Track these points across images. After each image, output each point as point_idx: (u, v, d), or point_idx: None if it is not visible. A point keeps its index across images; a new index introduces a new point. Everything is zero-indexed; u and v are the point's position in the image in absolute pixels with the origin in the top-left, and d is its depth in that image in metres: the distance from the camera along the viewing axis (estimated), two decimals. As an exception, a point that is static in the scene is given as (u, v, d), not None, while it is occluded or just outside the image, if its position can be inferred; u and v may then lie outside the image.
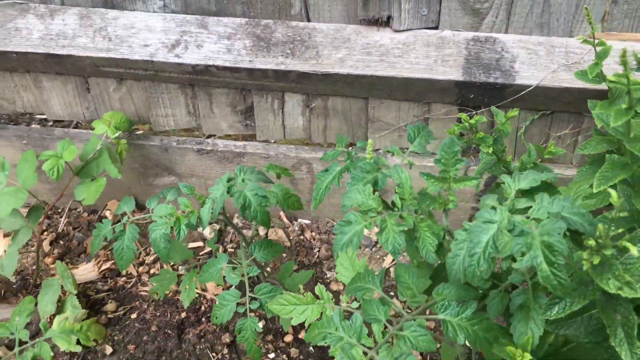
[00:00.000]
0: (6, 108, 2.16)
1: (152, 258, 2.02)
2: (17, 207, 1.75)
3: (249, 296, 1.40)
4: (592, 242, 0.75)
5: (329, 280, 1.92)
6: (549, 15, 1.69)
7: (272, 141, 2.05)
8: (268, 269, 1.97)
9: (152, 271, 1.98)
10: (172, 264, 1.97)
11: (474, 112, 1.80)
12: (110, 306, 1.86)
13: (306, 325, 1.11)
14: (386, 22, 1.77)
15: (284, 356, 1.71)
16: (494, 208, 0.80)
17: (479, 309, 1.13)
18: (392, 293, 1.86)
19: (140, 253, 2.05)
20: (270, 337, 1.76)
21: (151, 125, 2.09)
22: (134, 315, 1.83)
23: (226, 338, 1.75)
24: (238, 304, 1.40)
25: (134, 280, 1.95)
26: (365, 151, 1.07)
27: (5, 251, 1.81)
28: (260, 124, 2.02)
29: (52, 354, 1.74)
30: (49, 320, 1.69)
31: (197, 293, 1.89)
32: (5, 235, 2.12)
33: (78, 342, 1.71)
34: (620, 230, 0.76)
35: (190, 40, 1.84)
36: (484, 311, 1.03)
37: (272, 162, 1.99)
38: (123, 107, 2.06)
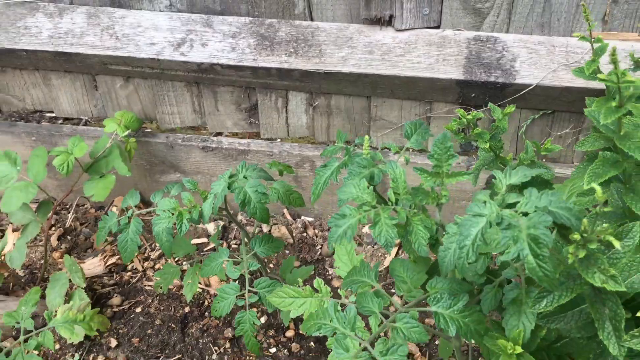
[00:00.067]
0: (16, 105, 2.20)
1: (157, 253, 2.05)
2: (27, 202, 1.79)
3: (249, 290, 1.42)
4: (577, 236, 0.77)
5: (330, 277, 1.94)
6: (550, 15, 1.70)
7: (276, 139, 2.07)
8: (271, 265, 2.00)
9: (157, 266, 2.01)
10: (176, 259, 2.00)
11: (481, 112, 1.81)
12: (116, 300, 1.89)
13: (305, 317, 1.14)
14: (388, 22, 1.79)
15: (285, 351, 1.74)
16: (484, 202, 0.82)
17: (475, 303, 1.15)
18: (392, 290, 1.87)
19: (145, 249, 2.08)
20: (272, 332, 1.79)
21: (157, 123, 2.12)
22: (138, 309, 1.87)
23: (228, 332, 1.78)
24: (238, 297, 1.42)
25: (139, 275, 1.98)
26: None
27: (14, 244, 1.85)
28: (264, 122, 2.04)
29: (58, 346, 1.78)
30: (56, 313, 1.72)
31: (201, 288, 1.92)
32: (14, 230, 2.16)
33: (86, 337, 1.76)
34: (606, 225, 0.77)
35: (195, 39, 1.87)
36: (476, 304, 1.05)
37: (275, 159, 2.01)
38: (130, 104, 2.09)
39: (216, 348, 1.75)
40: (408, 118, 1.92)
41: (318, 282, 1.24)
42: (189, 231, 2.13)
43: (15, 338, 1.75)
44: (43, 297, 1.85)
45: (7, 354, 1.41)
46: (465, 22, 1.76)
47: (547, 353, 1.14)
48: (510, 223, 0.77)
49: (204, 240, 2.09)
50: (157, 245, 1.86)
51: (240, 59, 1.84)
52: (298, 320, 1.80)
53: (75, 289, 1.81)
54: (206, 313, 1.84)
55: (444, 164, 0.97)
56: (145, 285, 1.94)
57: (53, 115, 2.20)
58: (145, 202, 2.18)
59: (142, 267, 2.01)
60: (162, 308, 1.86)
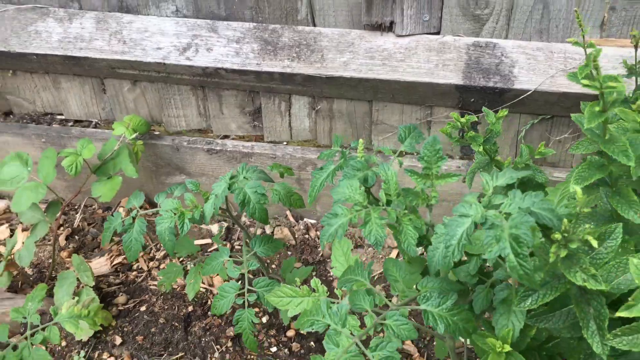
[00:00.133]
0: (27, 107, 2.25)
1: (162, 254, 2.09)
2: (37, 202, 1.84)
3: (248, 289, 1.46)
4: (558, 236, 0.80)
5: (331, 278, 1.97)
6: (548, 22, 1.72)
7: (280, 142, 2.11)
8: (273, 266, 2.03)
9: (162, 266, 2.05)
10: (180, 259, 2.05)
11: (475, 116, 1.84)
12: (121, 299, 1.94)
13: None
14: (389, 27, 1.82)
15: (286, 350, 1.77)
16: (470, 203, 0.85)
17: (468, 303, 1.17)
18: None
19: (151, 249, 2.12)
20: (273, 332, 1.82)
21: (164, 126, 2.17)
22: (143, 308, 1.91)
23: (230, 332, 1.81)
24: (237, 296, 1.46)
25: (144, 274, 2.03)
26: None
27: (23, 243, 1.90)
28: (267, 125, 2.08)
29: (64, 343, 1.82)
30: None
31: (204, 288, 1.96)
32: (24, 230, 2.21)
33: (94, 336, 1.80)
34: (587, 226, 0.80)
35: (200, 44, 1.92)
36: (466, 304, 1.08)
37: (278, 162, 2.05)
38: (137, 107, 2.14)
39: (218, 347, 1.79)
40: (409, 122, 1.95)
41: (315, 282, 1.27)
42: (193, 232, 2.17)
43: (23, 334, 1.80)
44: (51, 295, 1.90)
45: (14, 348, 1.46)
46: (464, 28, 1.79)
47: (539, 353, 1.17)
48: (494, 223, 0.80)
49: (208, 241, 2.13)
50: (167, 252, 1.90)
51: (244, 64, 1.88)
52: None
53: (83, 287, 1.85)
54: (209, 312, 1.88)
55: (433, 166, 1.00)
56: (150, 285, 1.98)
57: (63, 117, 2.25)
58: (152, 204, 2.23)
59: (148, 266, 2.05)
60: (166, 307, 1.90)
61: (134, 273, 2.03)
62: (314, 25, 1.89)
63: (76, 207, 2.30)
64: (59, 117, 2.26)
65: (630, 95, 1.37)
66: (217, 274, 1.98)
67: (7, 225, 2.26)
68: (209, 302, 1.91)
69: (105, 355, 1.78)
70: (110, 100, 2.15)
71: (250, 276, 1.50)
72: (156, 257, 2.09)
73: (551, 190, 1.24)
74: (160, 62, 1.92)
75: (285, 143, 2.10)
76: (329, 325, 0.97)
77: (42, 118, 2.26)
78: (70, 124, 2.24)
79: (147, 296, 1.94)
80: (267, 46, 1.89)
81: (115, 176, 1.88)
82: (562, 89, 1.70)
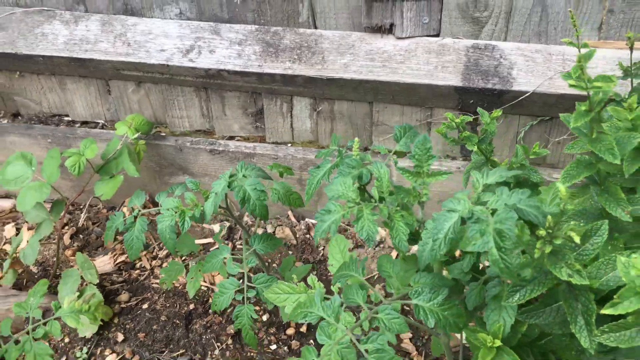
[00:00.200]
0: (33, 108, 2.29)
1: (164, 253, 2.12)
2: (41, 201, 1.87)
3: (247, 285, 1.48)
4: (543, 232, 0.81)
5: (330, 278, 1.99)
6: (547, 24, 1.74)
7: (282, 143, 2.13)
8: (274, 265, 2.05)
9: (164, 265, 2.08)
10: (183, 258, 2.07)
11: (474, 117, 1.86)
12: (124, 296, 1.96)
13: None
14: (389, 30, 1.84)
15: (285, 348, 1.79)
16: (459, 199, 0.87)
17: (462, 300, 1.19)
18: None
19: (154, 248, 2.15)
20: (273, 330, 1.84)
21: (167, 126, 2.20)
22: (145, 306, 1.93)
23: (231, 329, 1.84)
24: (237, 292, 1.48)
25: (147, 273, 2.05)
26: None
27: (27, 242, 1.93)
28: (269, 126, 2.11)
29: (67, 339, 1.85)
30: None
31: (205, 287, 1.98)
32: (29, 229, 2.25)
33: (96, 332, 1.83)
34: (573, 222, 0.82)
35: (203, 46, 1.95)
36: (456, 299, 1.10)
37: (280, 163, 2.07)
38: (141, 108, 2.17)
39: (218, 344, 1.81)
40: (410, 123, 1.97)
41: (312, 279, 1.29)
42: (195, 232, 2.20)
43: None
44: (56, 293, 1.93)
45: (16, 342, 1.49)
46: (464, 31, 1.81)
47: (531, 350, 1.18)
48: (479, 218, 0.81)
49: (210, 240, 2.15)
50: (168, 250, 1.93)
51: (246, 65, 1.91)
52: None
53: (87, 285, 1.88)
54: (210, 310, 1.91)
55: (424, 164, 1.02)
56: (152, 283, 2.01)
57: (70, 119, 2.29)
58: (155, 203, 2.25)
59: (150, 265, 2.08)
60: (167, 305, 1.92)
61: (137, 271, 2.06)
62: (315, 27, 1.92)
63: (81, 206, 2.33)
64: (66, 118, 2.29)
65: (626, 96, 1.39)
66: (218, 273, 2.01)
67: (13, 224, 2.29)
68: (210, 300, 1.94)
69: (107, 352, 1.80)
70: (115, 102, 2.19)
71: (251, 274, 1.52)
72: (159, 256, 2.11)
73: (545, 189, 1.25)
74: (163, 63, 1.95)
75: (289, 145, 2.12)
76: (322, 318, 0.99)
77: (50, 120, 2.30)
78: (77, 125, 2.27)
79: (149, 294, 1.97)
80: (268, 48, 1.92)
81: (117, 175, 1.90)
82: (560, 91, 1.71)
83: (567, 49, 1.75)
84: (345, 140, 2.07)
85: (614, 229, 1.10)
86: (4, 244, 2.22)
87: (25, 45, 2.05)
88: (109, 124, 2.25)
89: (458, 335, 1.63)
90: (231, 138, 2.17)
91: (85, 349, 1.81)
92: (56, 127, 2.25)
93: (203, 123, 2.17)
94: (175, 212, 1.48)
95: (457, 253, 1.33)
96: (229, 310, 1.89)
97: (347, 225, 2.13)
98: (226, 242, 2.14)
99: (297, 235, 2.13)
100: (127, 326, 1.88)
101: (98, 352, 1.81)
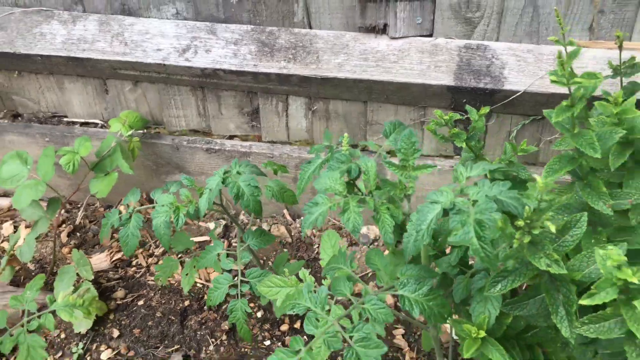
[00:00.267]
0: (31, 108, 2.31)
1: (160, 250, 2.14)
2: (36, 199, 1.89)
3: (241, 280, 1.50)
4: (521, 223, 0.83)
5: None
6: (538, 24, 1.76)
7: (278, 142, 2.15)
8: (270, 263, 2.07)
9: (160, 262, 2.09)
10: (178, 255, 2.09)
11: (466, 116, 1.88)
12: (120, 293, 1.98)
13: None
14: (383, 30, 1.87)
15: (279, 344, 1.80)
16: (442, 192, 0.89)
17: (448, 294, 1.21)
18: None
19: (150, 246, 2.17)
20: (267, 326, 1.86)
21: (164, 126, 2.22)
22: (140, 302, 1.95)
23: (225, 325, 1.85)
24: (231, 287, 1.50)
25: (143, 270, 2.07)
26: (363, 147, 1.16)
27: (24, 239, 1.95)
28: (265, 125, 2.13)
29: (64, 335, 1.87)
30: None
31: (201, 284, 2.00)
32: (27, 227, 2.27)
33: (92, 328, 1.84)
34: (549, 213, 0.84)
35: (199, 45, 1.97)
36: (448, 293, 1.12)
37: (276, 161, 2.09)
38: (138, 107, 2.19)
39: (213, 340, 1.83)
40: (404, 122, 1.99)
41: (303, 272, 1.31)
42: (192, 230, 2.22)
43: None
44: (52, 289, 1.95)
45: (11, 334, 1.51)
46: (456, 31, 1.83)
47: (517, 342, 1.20)
48: (461, 209, 0.83)
49: (206, 238, 2.17)
50: (163, 246, 1.95)
51: (241, 65, 1.93)
52: (293, 315, 1.87)
53: (83, 281, 1.90)
54: (205, 307, 1.92)
55: (410, 158, 1.04)
56: (148, 280, 2.03)
57: (70, 120, 2.31)
58: (151, 201, 2.27)
59: (146, 263, 2.10)
60: (163, 301, 1.94)
61: (133, 269, 2.08)
62: (310, 27, 1.94)
63: (79, 205, 2.35)
64: (65, 119, 2.32)
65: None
66: (214, 270, 2.03)
67: (11, 222, 2.31)
68: (205, 297, 1.95)
69: (102, 347, 1.82)
70: (112, 101, 2.21)
71: (243, 268, 1.54)
72: (155, 253, 2.13)
73: (532, 185, 1.28)
74: (160, 63, 1.97)
75: (290, 144, 2.14)
76: (310, 310, 1.01)
77: (50, 120, 2.32)
78: (77, 125, 2.30)
79: (145, 291, 1.99)
80: (264, 48, 1.94)
81: (111, 173, 1.93)
82: (550, 90, 1.73)
83: (558, 49, 1.77)
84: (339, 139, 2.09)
85: (598, 223, 1.12)
86: (2, 242, 2.24)
87: (23, 45, 2.07)
88: (107, 124, 2.27)
89: (449, 331, 1.65)
90: (232, 137, 2.19)
91: (81, 345, 1.83)
92: (54, 126, 2.27)
93: (200, 122, 2.19)
94: (170, 208, 1.50)
95: (449, 249, 1.35)
96: (223, 307, 1.91)
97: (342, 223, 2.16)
98: (222, 240, 2.16)
99: (292, 234, 2.15)
100: (123, 322, 1.90)
101: (94, 347, 1.83)
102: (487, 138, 1.96)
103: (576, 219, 0.95)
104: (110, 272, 2.07)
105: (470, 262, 1.26)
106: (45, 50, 2.05)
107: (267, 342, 1.81)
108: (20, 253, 1.91)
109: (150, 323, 1.88)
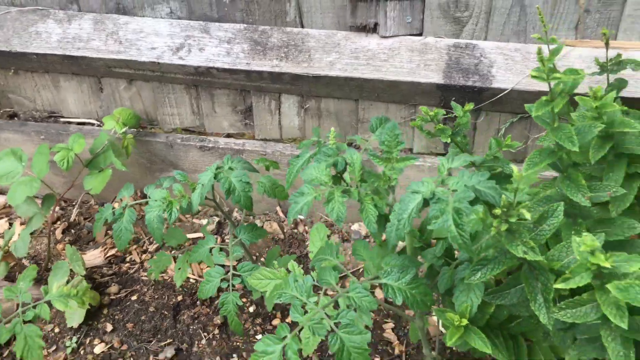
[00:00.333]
0: (27, 106, 2.34)
1: (154, 247, 2.16)
2: (31, 195, 1.91)
3: (233, 273, 1.53)
4: (498, 211, 0.86)
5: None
6: (525, 24, 1.79)
7: (271, 140, 2.18)
8: (262, 259, 2.10)
9: (154, 258, 2.12)
10: (172, 251, 2.12)
11: (455, 115, 1.91)
12: (113, 288, 2.01)
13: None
14: (373, 29, 1.90)
15: (271, 338, 1.83)
16: (423, 182, 0.92)
17: (434, 285, 1.24)
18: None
19: (144, 242, 2.19)
20: (259, 320, 1.88)
21: (159, 124, 2.24)
22: (134, 297, 1.98)
23: (217, 320, 1.88)
24: (222, 280, 1.53)
25: (136, 266, 2.10)
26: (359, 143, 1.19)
27: (19, 235, 1.97)
28: (258, 123, 2.16)
29: (57, 330, 1.89)
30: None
31: (194, 279, 2.03)
32: (22, 224, 2.29)
33: (84, 322, 1.86)
34: (525, 203, 0.87)
35: (193, 44, 2.00)
36: (433, 283, 1.15)
37: (269, 158, 2.12)
38: (133, 106, 2.22)
39: (205, 334, 1.85)
40: (394, 120, 2.02)
41: (292, 265, 1.34)
42: (186, 227, 2.24)
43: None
44: (46, 284, 1.97)
45: (7, 323, 1.54)
46: (446, 30, 1.86)
47: (501, 332, 1.23)
48: (440, 198, 0.86)
49: (200, 235, 2.19)
50: (156, 240, 1.98)
51: (234, 63, 1.96)
52: (285, 310, 1.90)
53: (76, 276, 1.92)
54: (198, 302, 1.95)
55: (393, 150, 1.07)
56: (142, 276, 2.05)
57: (66, 120, 2.33)
58: (145, 198, 2.30)
59: (140, 259, 2.12)
60: (156, 296, 1.97)
61: (127, 265, 2.10)
62: (302, 26, 1.97)
63: (73, 203, 2.37)
64: (61, 119, 2.34)
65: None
66: (207, 266, 2.05)
67: (6, 219, 2.33)
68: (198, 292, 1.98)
69: (96, 341, 1.85)
70: (107, 99, 2.23)
71: (235, 262, 1.57)
72: (148, 250, 2.16)
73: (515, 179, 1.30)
74: (154, 61, 2.00)
75: (283, 142, 2.16)
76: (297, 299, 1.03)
77: (46, 120, 2.34)
78: (73, 124, 2.32)
79: (138, 286, 2.01)
80: (256, 46, 1.97)
81: (105, 169, 1.95)
82: (537, 88, 1.76)
83: (545, 48, 1.80)
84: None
85: (579, 215, 1.15)
86: (-3, 238, 2.26)
87: (19, 43, 2.10)
88: (102, 123, 2.30)
89: (437, 324, 1.68)
90: (229, 136, 2.21)
91: (74, 339, 1.85)
92: (49, 124, 2.30)
93: (194, 120, 2.21)
94: (163, 203, 1.52)
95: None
96: (215, 303, 1.93)
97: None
98: (215, 236, 2.18)
99: (285, 230, 2.18)
100: (116, 317, 1.92)
101: (87, 341, 1.85)
102: (476, 136, 1.99)
103: (553, 209, 0.98)
104: (105, 268, 2.09)
105: (456, 255, 1.30)
106: (41, 49, 2.08)
107: (259, 336, 1.84)
108: (15, 248, 1.93)
109: (143, 317, 1.91)
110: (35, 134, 2.28)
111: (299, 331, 1.00)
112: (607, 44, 1.52)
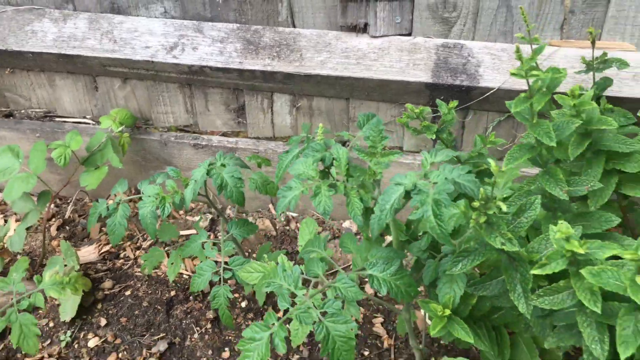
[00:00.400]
0: (23, 104, 2.36)
1: (148, 243, 2.19)
2: (27, 191, 1.94)
3: (224, 267, 1.56)
4: (477, 204, 0.90)
5: (308, 266, 2.07)
6: (512, 24, 1.83)
7: (263, 138, 2.21)
8: (254, 255, 2.13)
9: (147, 253, 2.15)
10: (165, 247, 2.15)
11: (429, 108, 1.94)
12: (107, 284, 2.04)
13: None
14: (364, 29, 1.93)
15: (262, 332, 1.86)
16: (406, 175, 0.96)
17: (419, 277, 1.27)
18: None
19: (138, 239, 2.22)
20: (251, 315, 1.92)
21: (153, 122, 2.27)
22: (128, 292, 2.00)
23: (210, 314, 1.91)
24: (214, 274, 1.56)
25: (130, 262, 2.13)
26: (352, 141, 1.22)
27: (15, 230, 2.00)
28: (251, 121, 2.19)
29: (52, 324, 1.92)
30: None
31: (187, 275, 2.06)
32: (17, 221, 2.32)
33: (78, 317, 1.89)
34: (505, 196, 0.90)
35: (187, 43, 2.03)
36: (418, 276, 1.18)
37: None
38: (127, 104, 2.25)
39: (198, 328, 1.88)
40: (384, 119, 2.06)
41: (281, 258, 1.37)
42: (179, 224, 2.27)
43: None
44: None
45: (2, 314, 1.57)
46: (434, 30, 1.90)
47: (484, 323, 1.26)
48: (421, 189, 0.90)
49: (193, 231, 2.22)
50: (149, 235, 2.01)
51: (227, 62, 1.99)
52: (276, 305, 1.93)
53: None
54: (190, 297, 1.98)
55: (377, 145, 1.10)
56: (135, 272, 2.08)
57: (62, 120, 2.36)
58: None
59: (134, 255, 2.15)
60: (149, 291, 2.00)
61: (121, 261, 2.13)
62: (294, 26, 2.00)
63: (68, 200, 2.40)
64: (57, 119, 2.36)
65: (589, 90, 1.48)
66: (200, 260, 2.08)
67: (2, 215, 2.36)
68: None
69: (90, 336, 1.87)
70: (102, 97, 2.26)
71: (226, 256, 1.60)
72: (142, 246, 2.19)
73: (499, 175, 1.34)
74: (148, 60, 2.03)
75: (275, 140, 2.19)
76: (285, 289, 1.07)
77: (42, 120, 2.37)
78: (68, 123, 2.35)
79: (132, 282, 2.04)
80: (249, 46, 2.00)
81: (101, 166, 1.98)
82: (524, 87, 1.80)
83: (529, 48, 1.84)
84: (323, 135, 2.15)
85: (559, 209, 1.19)
86: (-7, 235, 2.29)
87: (15, 42, 2.12)
88: (97, 121, 2.32)
89: (424, 318, 1.72)
90: (222, 134, 2.24)
91: (69, 333, 1.88)
92: (44, 122, 2.32)
93: (187, 119, 2.25)
94: (157, 199, 1.55)
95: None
96: (208, 298, 1.97)
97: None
98: (208, 233, 2.21)
99: (277, 227, 2.21)
100: (110, 312, 1.95)
101: (81, 335, 1.88)
102: (464, 134, 2.03)
103: (530, 202, 1.01)
104: (99, 264, 2.12)
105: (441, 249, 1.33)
106: (37, 48, 2.11)
107: (251, 331, 1.87)
108: (11, 243, 1.96)
109: (136, 312, 1.94)
110: (31, 131, 2.30)
111: (288, 319, 1.03)
112: (593, 43, 1.56)
